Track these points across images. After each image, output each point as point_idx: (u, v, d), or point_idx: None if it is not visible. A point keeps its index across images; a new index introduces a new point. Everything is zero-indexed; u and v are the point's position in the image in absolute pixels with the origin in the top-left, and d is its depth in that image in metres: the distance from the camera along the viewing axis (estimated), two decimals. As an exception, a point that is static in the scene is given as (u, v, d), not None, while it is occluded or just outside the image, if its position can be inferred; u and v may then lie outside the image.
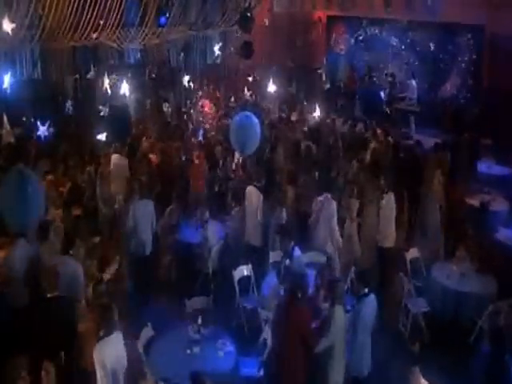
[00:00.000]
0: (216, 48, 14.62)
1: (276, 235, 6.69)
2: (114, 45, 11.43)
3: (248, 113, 7.08)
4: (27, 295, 5.34)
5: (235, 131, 6.94)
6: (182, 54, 14.28)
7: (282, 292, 5.46)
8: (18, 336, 4.77)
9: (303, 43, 16.94)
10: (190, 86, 13.72)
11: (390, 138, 10.50)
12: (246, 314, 6.56)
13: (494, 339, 5.09)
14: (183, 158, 9.46)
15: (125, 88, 11.23)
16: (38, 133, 9.61)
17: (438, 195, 7.96)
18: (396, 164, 9.14)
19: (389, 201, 7.37)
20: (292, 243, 6.11)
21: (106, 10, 10.45)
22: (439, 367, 5.75)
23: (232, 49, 14.72)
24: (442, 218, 7.86)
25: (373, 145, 9.98)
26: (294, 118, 12.38)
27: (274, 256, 6.72)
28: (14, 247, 5.68)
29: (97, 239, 6.51)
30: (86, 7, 10.18)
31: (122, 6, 10.81)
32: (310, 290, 5.63)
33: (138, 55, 13.37)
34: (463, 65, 14.09)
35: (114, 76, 11.89)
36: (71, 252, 5.80)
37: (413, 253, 7.20)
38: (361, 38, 16.33)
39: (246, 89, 13.92)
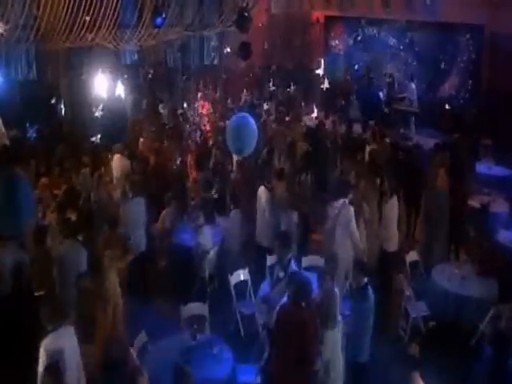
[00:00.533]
0: (213, 49, 14.54)
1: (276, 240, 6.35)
2: (110, 46, 11.34)
3: (245, 114, 6.99)
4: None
5: (231, 132, 6.82)
6: (179, 55, 14.20)
7: (274, 298, 5.31)
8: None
9: (301, 44, 16.89)
10: (187, 87, 13.64)
11: (387, 140, 10.41)
12: (243, 319, 6.45)
13: (495, 343, 5.05)
14: (179, 160, 9.36)
15: (120, 89, 11.13)
16: (28, 134, 9.54)
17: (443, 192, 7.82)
18: (394, 166, 9.04)
19: (392, 204, 7.22)
20: (290, 254, 5.74)
21: (102, 10, 10.36)
22: (439, 371, 5.65)
23: (229, 49, 14.64)
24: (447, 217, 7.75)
25: (371, 146, 9.91)
26: (291, 118, 12.30)
27: (271, 259, 6.63)
28: (2, 251, 5.60)
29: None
30: (82, 8, 10.08)
31: (118, 6, 10.71)
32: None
33: (135, 56, 13.29)
34: (462, 65, 14.02)
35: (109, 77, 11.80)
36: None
37: (412, 255, 7.11)
38: (359, 38, 16.27)
39: (243, 90, 13.85)
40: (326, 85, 14.91)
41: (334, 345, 4.72)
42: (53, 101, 10.90)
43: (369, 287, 5.16)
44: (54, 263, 5.80)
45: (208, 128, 11.86)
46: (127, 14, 11.73)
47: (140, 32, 11.64)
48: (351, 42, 16.49)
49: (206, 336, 5.32)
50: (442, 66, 14.38)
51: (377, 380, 5.74)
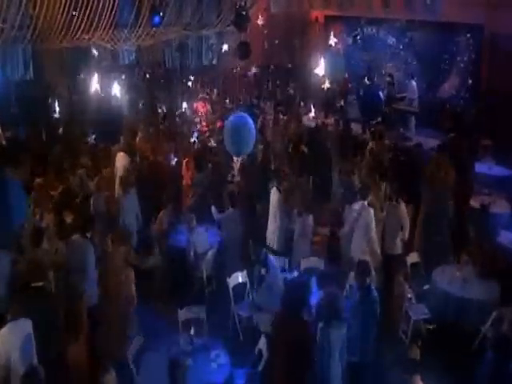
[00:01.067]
0: (212, 48, 14.47)
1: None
2: (108, 45, 11.26)
3: (242, 114, 6.90)
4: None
5: (229, 133, 6.74)
6: (178, 55, 14.12)
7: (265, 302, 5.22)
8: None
9: (300, 43, 16.81)
10: (185, 86, 13.56)
11: (385, 141, 10.31)
12: (241, 322, 6.35)
13: (497, 347, 4.94)
14: (174, 161, 9.28)
15: (117, 89, 11.05)
16: (22, 135, 9.48)
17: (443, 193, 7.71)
18: (395, 167, 8.95)
19: (401, 209, 7.04)
20: (264, 251, 5.68)
21: (99, 9, 10.28)
22: (441, 375, 5.63)
23: (228, 49, 14.56)
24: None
25: (370, 146, 9.83)
26: (289, 118, 12.22)
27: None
28: None
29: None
30: (79, 7, 10.00)
31: (116, 5, 10.64)
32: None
33: (133, 56, 13.20)
34: (462, 65, 13.96)
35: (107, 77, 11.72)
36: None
37: (413, 257, 7.02)
38: (359, 37, 16.19)
39: (242, 90, 13.77)
40: (325, 84, 14.82)
41: (334, 345, 4.64)
42: (49, 100, 10.80)
43: (372, 288, 5.11)
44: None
45: (206, 128, 11.78)
46: (125, 13, 11.66)
47: (138, 31, 11.58)
48: (351, 41, 16.41)
49: (204, 340, 5.23)
50: (442, 65, 14.31)
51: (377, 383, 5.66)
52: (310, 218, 6.92)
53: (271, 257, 5.83)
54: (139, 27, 11.51)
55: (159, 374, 4.77)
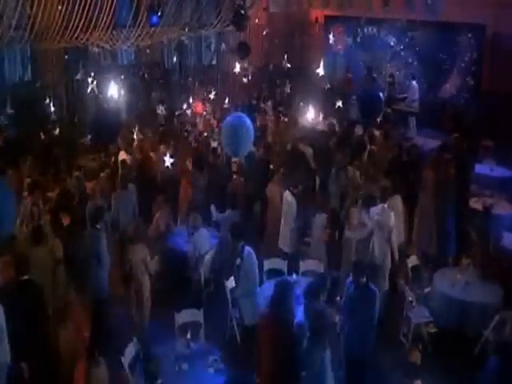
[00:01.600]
0: (211, 48, 14.40)
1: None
2: (106, 45, 11.19)
3: (240, 114, 6.82)
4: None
5: (227, 133, 6.65)
6: (177, 55, 14.06)
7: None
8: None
9: (300, 43, 16.75)
10: (184, 87, 13.50)
11: (388, 140, 10.25)
12: (239, 325, 6.27)
13: (500, 351, 4.90)
14: (172, 161, 9.20)
15: (114, 89, 10.98)
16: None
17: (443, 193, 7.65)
18: (396, 167, 8.87)
19: (394, 206, 7.02)
20: (242, 243, 5.72)
21: (97, 9, 10.21)
22: (442, 380, 5.56)
23: (228, 49, 14.49)
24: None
25: (371, 147, 9.75)
26: (289, 119, 12.15)
27: (268, 264, 6.46)
28: None
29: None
30: (77, 7, 9.93)
31: (114, 5, 10.57)
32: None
33: (131, 56, 13.15)
34: (463, 65, 13.91)
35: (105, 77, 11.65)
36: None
37: (413, 260, 6.94)
38: (359, 37, 16.14)
39: (241, 90, 13.70)
40: (325, 85, 14.76)
41: (320, 362, 4.51)
42: (47, 101, 10.74)
43: (371, 286, 5.08)
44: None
45: (205, 128, 11.71)
46: (123, 13, 11.60)
47: (136, 31, 11.50)
48: (351, 41, 16.37)
49: (201, 344, 5.15)
50: (443, 65, 14.25)
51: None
52: (324, 219, 6.88)
53: (247, 247, 5.85)
54: (138, 27, 11.44)
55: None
